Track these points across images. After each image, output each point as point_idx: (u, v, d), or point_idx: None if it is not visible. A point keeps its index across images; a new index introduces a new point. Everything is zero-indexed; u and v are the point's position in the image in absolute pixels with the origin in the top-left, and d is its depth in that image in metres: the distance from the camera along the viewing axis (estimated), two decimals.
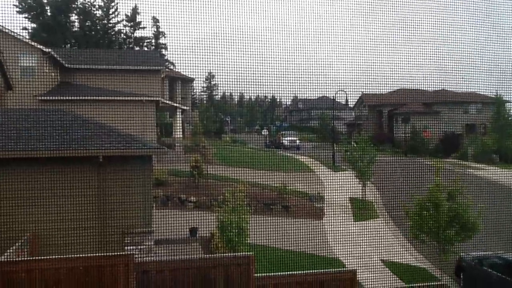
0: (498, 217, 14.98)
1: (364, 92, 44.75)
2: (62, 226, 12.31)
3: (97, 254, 10.17)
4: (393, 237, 19.52)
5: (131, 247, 12.82)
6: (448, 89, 38.13)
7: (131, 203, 13.27)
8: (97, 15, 52.76)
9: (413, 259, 17.23)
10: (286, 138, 45.14)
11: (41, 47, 27.02)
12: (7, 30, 23.84)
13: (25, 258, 10.80)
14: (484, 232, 14.54)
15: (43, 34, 44.71)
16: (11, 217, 11.78)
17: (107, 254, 10.18)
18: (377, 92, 46.51)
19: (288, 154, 36.96)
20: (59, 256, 9.95)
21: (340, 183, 25.76)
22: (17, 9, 45.60)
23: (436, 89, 42.28)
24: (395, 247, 17.74)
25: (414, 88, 38.47)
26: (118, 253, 10.58)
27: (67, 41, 49.23)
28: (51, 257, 10.11)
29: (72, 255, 9.86)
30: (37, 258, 10.85)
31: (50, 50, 27.22)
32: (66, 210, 12.58)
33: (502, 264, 13.96)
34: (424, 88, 45.30)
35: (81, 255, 9.84)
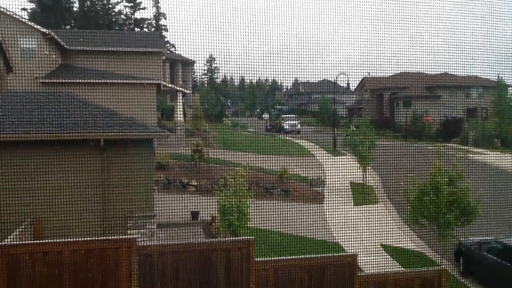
0: (498, 202, 15.04)
1: (365, 76, 44.55)
2: (65, 209, 12.37)
3: (99, 238, 10.23)
4: (393, 221, 19.64)
5: (134, 231, 12.92)
6: (450, 72, 37.95)
7: (133, 187, 13.32)
8: None
9: (413, 244, 17.37)
10: (286, 122, 45.08)
11: (41, 28, 26.79)
12: (6, 11, 23.62)
13: (29, 241, 10.90)
14: (484, 217, 14.61)
15: (42, 14, 44.28)
16: (14, 200, 11.84)
17: (110, 237, 10.25)
18: (378, 76, 46.30)
19: (289, 138, 36.95)
20: (62, 240, 10.02)
21: (341, 167, 25.81)
22: None
23: (438, 72, 42.02)
24: (395, 232, 17.85)
25: (416, 71, 38.22)
26: (121, 237, 10.67)
27: (66, 22, 48.82)
28: (54, 240, 10.19)
29: (75, 239, 9.92)
30: (40, 241, 10.94)
31: (50, 31, 27.00)
32: (68, 194, 12.64)
33: (502, 249, 14.07)
34: (426, 72, 45.10)
35: (83, 239, 9.90)
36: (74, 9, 50.54)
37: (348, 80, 50.21)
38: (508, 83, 37.08)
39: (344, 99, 57.40)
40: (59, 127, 13.37)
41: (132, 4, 54.52)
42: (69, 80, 25.55)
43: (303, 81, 63.21)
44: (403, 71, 34.05)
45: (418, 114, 42.27)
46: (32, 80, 24.44)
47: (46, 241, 10.22)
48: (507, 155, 30.57)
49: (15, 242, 10.01)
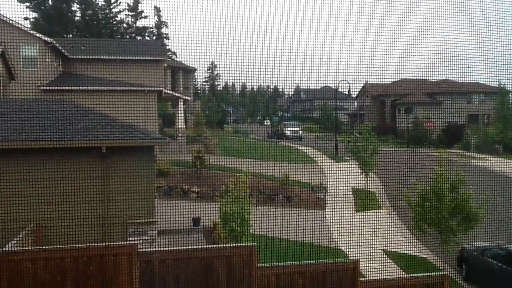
0: (501, 208, 14.98)
1: (367, 82, 44.60)
2: (66, 216, 12.37)
3: (100, 244, 10.22)
4: (395, 227, 19.56)
5: (134, 237, 12.89)
6: (451, 79, 37.98)
7: (134, 194, 13.31)
8: (99, 4, 52.58)
9: (416, 250, 17.28)
10: (288, 129, 45.08)
11: (43, 37, 26.95)
12: (8, 20, 23.77)
13: (30, 248, 10.89)
14: (486, 222, 14.54)
15: (44, 24, 44.56)
16: (16, 207, 11.84)
17: (111, 244, 10.24)
18: (380, 82, 46.36)
19: (291, 145, 36.94)
20: (63, 246, 10.00)
21: (343, 173, 25.77)
22: None
23: (440, 79, 42.06)
24: (397, 238, 17.77)
25: (418, 78, 38.27)
26: (122, 243, 10.64)
27: (68, 31, 49.09)
28: (55, 246, 10.18)
29: (76, 245, 9.91)
30: (41, 247, 10.92)
31: (52, 40, 27.15)
32: (69, 201, 12.63)
33: (505, 255, 13.99)
34: (428, 78, 45.14)
35: (85, 245, 9.88)
36: (76, 18, 50.88)
37: (349, 87, 50.21)
38: (510, 89, 37.07)
39: (345, 106, 57.44)
40: (61, 134, 13.40)
41: (134, 13, 54.87)
42: (70, 88, 25.64)
43: (304, 87, 63.33)
44: (405, 77, 34.10)
45: (419, 120, 42.26)
46: (34, 88, 24.54)
47: (48, 247, 10.21)
48: (509, 161, 30.48)
49: (16, 249, 10.00)
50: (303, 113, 67.12)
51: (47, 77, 26.62)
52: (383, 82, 48.29)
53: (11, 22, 24.15)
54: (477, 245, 15.31)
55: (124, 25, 55.50)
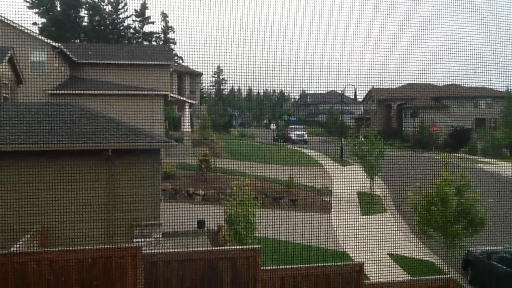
0: (507, 212, 14.91)
1: (373, 87, 44.54)
2: (72, 218, 12.47)
3: (105, 246, 10.29)
4: (400, 231, 19.50)
5: (140, 239, 12.96)
6: (458, 83, 37.84)
7: (139, 196, 13.40)
8: (107, 10, 53.00)
9: (421, 253, 17.22)
10: (294, 132, 45.11)
11: (51, 42, 27.24)
12: (17, 25, 24.07)
13: (36, 250, 10.99)
14: (492, 227, 14.47)
15: (52, 29, 45.00)
16: (22, 209, 11.96)
17: (116, 246, 10.30)
18: (386, 87, 46.33)
19: (296, 148, 36.96)
20: (69, 248, 10.09)
21: (348, 177, 25.73)
22: (27, 4, 45.99)
23: (446, 83, 41.94)
24: (402, 241, 17.72)
25: (424, 82, 38.22)
26: (127, 245, 10.71)
27: (76, 36, 49.52)
28: (60, 248, 10.27)
29: (81, 247, 10.00)
30: (47, 249, 11.03)
31: (59, 45, 27.43)
32: (75, 203, 12.74)
33: (510, 259, 13.92)
34: (434, 83, 45.04)
35: (90, 247, 9.97)
36: (84, 23, 51.32)
37: (355, 91, 50.20)
38: None
39: (351, 110, 57.39)
40: (68, 137, 13.53)
41: (141, 18, 55.22)
42: (77, 92, 25.88)
43: (310, 92, 63.33)
44: (411, 82, 34.05)
45: (425, 124, 42.14)
46: (41, 92, 24.79)
47: (53, 249, 10.30)
48: None
49: (22, 250, 10.10)
50: (308, 117, 67.10)
51: (54, 81, 26.89)
52: (389, 87, 48.20)
53: (20, 27, 24.46)
54: (482, 249, 15.23)
55: (131, 30, 55.89)
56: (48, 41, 27.22)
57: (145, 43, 55.16)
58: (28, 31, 26.85)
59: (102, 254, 9.68)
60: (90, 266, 9.53)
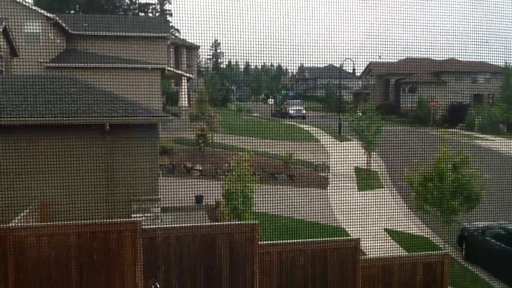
0: (502, 188, 15.00)
1: (372, 61, 44.21)
2: (70, 193, 12.47)
3: (104, 221, 10.32)
4: (397, 207, 19.67)
5: (138, 214, 13.02)
6: (457, 58, 37.59)
7: (137, 171, 13.39)
8: None
9: (417, 229, 17.41)
10: (292, 107, 44.97)
11: (46, 13, 26.73)
12: None
13: (35, 224, 11.02)
14: (488, 202, 14.59)
15: None
16: (19, 183, 11.94)
17: (114, 220, 10.33)
18: (384, 61, 45.99)
19: (294, 123, 36.91)
20: (68, 222, 10.12)
21: (346, 152, 25.78)
22: None
23: (445, 58, 41.65)
24: (399, 217, 17.89)
25: (423, 57, 37.92)
26: (125, 220, 10.75)
27: (71, 7, 48.62)
28: (59, 223, 10.30)
29: (80, 222, 10.02)
30: (46, 224, 11.07)
31: (54, 16, 26.93)
32: (73, 178, 12.72)
33: (505, 235, 14.08)
34: (433, 57, 44.71)
35: (88, 222, 9.99)
36: None
37: (354, 65, 49.89)
38: None
39: (350, 84, 57.11)
40: (64, 111, 13.40)
41: None
42: (73, 65, 25.55)
43: (308, 66, 62.87)
44: (410, 56, 33.75)
45: (424, 100, 42.05)
46: (36, 64, 24.47)
47: (52, 223, 10.33)
48: None
49: (21, 225, 10.13)
50: (307, 92, 66.81)
51: (50, 53, 26.51)
52: (388, 61, 47.87)
53: None
54: (477, 225, 15.40)
55: (127, 1, 54.87)
56: (43, 11, 26.70)
57: (141, 14, 54.26)
58: (22, 1, 26.31)
59: (101, 228, 9.72)
60: (89, 240, 9.57)
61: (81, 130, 13.39)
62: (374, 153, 25.31)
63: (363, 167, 24.62)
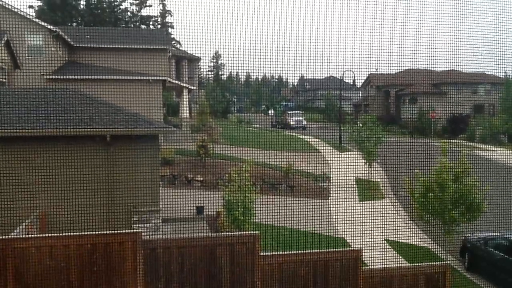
0: (504, 198, 14.98)
1: (372, 72, 44.39)
2: (71, 204, 12.48)
3: (105, 232, 10.31)
4: (398, 217, 19.61)
5: (139, 225, 13.00)
6: (457, 69, 37.75)
7: (138, 182, 13.40)
8: None
9: (418, 240, 17.34)
10: (292, 118, 45.07)
11: (48, 25, 26.94)
12: (13, 8, 23.78)
13: (35, 235, 11.01)
14: (490, 213, 14.56)
15: (49, 12, 44.49)
16: (21, 194, 11.96)
17: (115, 231, 10.32)
18: (384, 72, 46.17)
19: (294, 134, 36.95)
20: (68, 233, 10.11)
21: (346, 163, 25.77)
22: None
23: (445, 69, 41.85)
24: (400, 227, 17.83)
25: (422, 68, 38.06)
26: (126, 231, 10.74)
27: (73, 20, 49.01)
28: (60, 234, 10.28)
29: (81, 233, 10.01)
30: (46, 235, 11.05)
31: (56, 28, 27.15)
32: (74, 189, 12.74)
33: (507, 245, 14.01)
34: (433, 68, 44.90)
35: (89, 233, 9.98)
36: (81, 6, 50.72)
37: (354, 77, 50.04)
38: None
39: (350, 96, 57.28)
40: (66, 123, 13.46)
41: (138, 1, 54.64)
42: (75, 77, 25.69)
43: (309, 77, 63.12)
44: (410, 67, 33.88)
45: (424, 111, 42.14)
46: (38, 76, 24.62)
47: (53, 234, 10.32)
48: None
49: (21, 236, 10.12)
50: (307, 103, 66.98)
51: (52, 66, 26.68)
52: (388, 72, 48.03)
53: (16, 10, 24.17)
54: (480, 236, 15.33)
55: (129, 13, 55.35)
56: (45, 24, 26.91)
57: (142, 26, 54.66)
58: (24, 14, 26.55)
59: (101, 239, 9.70)
60: (89, 251, 9.56)
61: (82, 141, 13.44)
62: (375, 164, 25.31)
63: (364, 178, 24.60)
